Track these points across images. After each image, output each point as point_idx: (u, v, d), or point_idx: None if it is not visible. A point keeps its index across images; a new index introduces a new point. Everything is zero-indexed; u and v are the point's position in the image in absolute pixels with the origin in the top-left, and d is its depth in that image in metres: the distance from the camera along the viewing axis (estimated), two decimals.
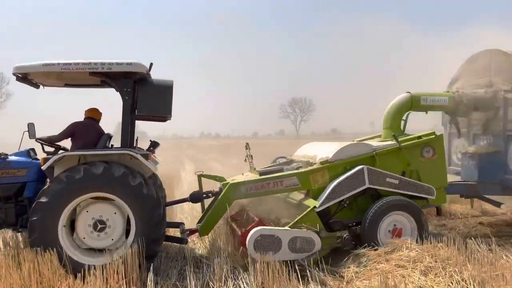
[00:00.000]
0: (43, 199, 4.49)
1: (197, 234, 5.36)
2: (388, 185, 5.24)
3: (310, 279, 4.43)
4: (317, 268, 4.65)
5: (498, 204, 6.76)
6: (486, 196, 6.68)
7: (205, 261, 5.03)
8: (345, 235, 4.98)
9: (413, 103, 6.31)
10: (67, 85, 5.60)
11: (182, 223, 5.67)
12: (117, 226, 4.70)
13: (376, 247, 4.87)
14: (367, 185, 5.15)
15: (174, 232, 5.98)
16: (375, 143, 5.90)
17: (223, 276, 4.36)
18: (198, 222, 5.58)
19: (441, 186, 5.62)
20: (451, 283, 4.04)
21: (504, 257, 4.80)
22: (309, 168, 5.45)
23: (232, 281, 4.30)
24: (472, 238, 5.22)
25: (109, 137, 5.35)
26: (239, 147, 9.67)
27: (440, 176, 5.65)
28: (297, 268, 4.50)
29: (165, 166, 14.29)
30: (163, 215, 4.83)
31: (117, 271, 4.17)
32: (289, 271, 4.38)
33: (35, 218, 4.46)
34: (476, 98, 6.48)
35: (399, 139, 5.60)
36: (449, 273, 4.19)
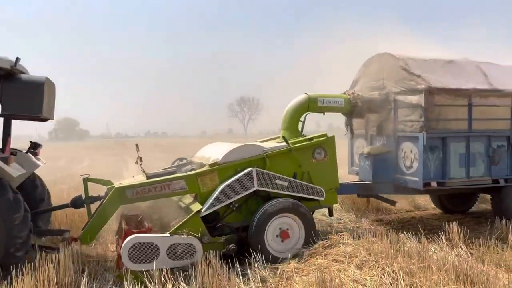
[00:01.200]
0: None
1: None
2: (277, 187, 5.44)
3: (250, 277, 4.56)
4: (257, 266, 4.79)
5: (393, 203, 7.38)
6: (382, 195, 7.21)
7: None
8: (231, 246, 5.09)
9: (310, 105, 6.60)
10: None
11: (67, 231, 5.54)
12: None
13: (315, 243, 5.10)
14: (255, 188, 5.32)
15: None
16: (268, 144, 6.17)
17: (162, 278, 4.35)
18: (83, 229, 5.33)
19: (332, 188, 5.95)
20: (383, 275, 4.33)
21: (432, 249, 5.14)
22: (198, 170, 5.47)
23: (171, 282, 4.31)
24: (404, 232, 5.57)
25: None
26: (188, 146, 9.45)
27: (332, 177, 5.93)
28: (237, 266, 4.63)
29: (106, 168, 13.97)
30: (24, 218, 4.66)
31: (48, 276, 4.17)
32: (229, 269, 4.51)
33: None
34: (369, 100, 6.99)
35: (294, 140, 5.94)
36: (381, 266, 4.48)
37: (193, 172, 5.52)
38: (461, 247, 5.29)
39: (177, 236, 4.88)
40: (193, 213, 5.11)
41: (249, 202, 5.51)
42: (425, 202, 9.14)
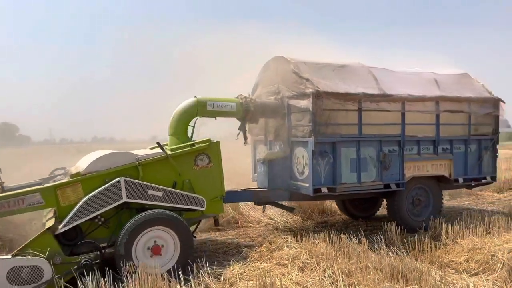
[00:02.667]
0: None
1: None
2: (151, 198, 5.04)
3: (192, 284, 4.44)
4: (201, 272, 4.69)
5: (291, 210, 7.26)
6: (280, 202, 7.02)
7: None
8: (83, 260, 4.60)
9: (199, 109, 6.18)
10: None
11: None
12: None
13: (255, 247, 5.05)
14: (124, 199, 4.90)
15: None
16: (144, 152, 5.77)
17: (100, 285, 4.14)
18: None
19: (217, 196, 5.69)
20: (324, 276, 4.45)
21: (371, 250, 5.28)
22: (57, 182, 5.01)
23: None
24: (345, 233, 5.62)
25: None
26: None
27: (216, 185, 5.64)
28: (179, 273, 4.42)
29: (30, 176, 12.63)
30: None
31: None
32: (171, 275, 4.40)
33: None
34: (263, 105, 6.73)
35: (174, 147, 5.62)
36: (322, 268, 4.61)
37: (50, 184, 5.01)
38: (398, 246, 5.52)
39: (19, 258, 4.32)
40: (42, 230, 4.59)
41: (122, 215, 5.10)
42: None
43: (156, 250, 5.00)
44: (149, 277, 4.19)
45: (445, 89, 7.51)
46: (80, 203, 4.82)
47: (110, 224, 5.07)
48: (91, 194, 4.88)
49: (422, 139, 7.24)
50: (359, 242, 5.35)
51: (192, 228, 5.89)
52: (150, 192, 5.12)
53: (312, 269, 4.69)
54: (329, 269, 4.56)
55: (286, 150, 6.84)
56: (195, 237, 6.00)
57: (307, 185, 6.40)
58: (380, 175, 6.82)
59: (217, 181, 5.74)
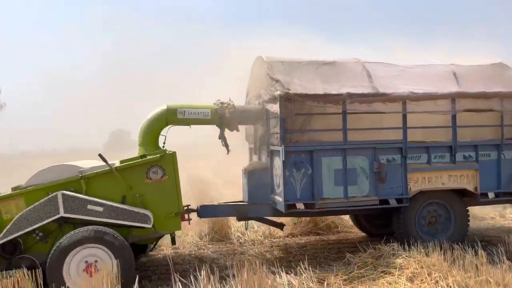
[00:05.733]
0: None
1: None
2: (90, 213, 4.82)
3: (297, 285, 4.48)
4: (304, 277, 4.68)
5: (281, 226, 6.47)
6: (266, 218, 6.29)
7: None
8: (10, 275, 4.47)
9: (168, 117, 5.71)
10: None
11: None
12: None
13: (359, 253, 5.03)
14: (61, 214, 4.75)
15: None
16: (89, 164, 5.48)
17: None
18: None
19: (172, 212, 5.24)
20: None
21: (490, 263, 4.81)
22: None
23: None
24: (459, 243, 5.33)
25: None
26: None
27: (172, 200, 5.22)
28: (284, 276, 4.60)
29: None
30: None
31: None
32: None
33: None
34: (242, 110, 6.11)
35: (126, 159, 5.34)
36: (434, 279, 4.44)
37: None
38: None
39: None
40: None
41: (64, 230, 4.93)
42: (482, 211, 8.23)
43: (92, 268, 4.74)
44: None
45: (466, 83, 6.17)
46: (17, 216, 4.78)
47: (49, 239, 4.94)
48: (28, 208, 4.82)
49: (432, 145, 6.02)
50: (475, 253, 4.86)
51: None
52: (89, 207, 4.88)
53: (422, 280, 4.51)
54: (442, 281, 4.36)
55: (266, 160, 6.16)
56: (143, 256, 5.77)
57: (280, 199, 5.66)
58: (375, 189, 5.79)
59: (173, 196, 5.29)
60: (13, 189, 5.03)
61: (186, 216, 5.86)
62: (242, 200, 6.57)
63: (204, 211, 6.15)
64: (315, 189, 5.60)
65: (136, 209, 5.06)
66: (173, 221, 5.31)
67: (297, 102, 5.54)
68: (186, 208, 5.90)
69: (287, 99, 5.48)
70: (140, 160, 5.31)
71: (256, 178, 6.13)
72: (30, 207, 4.82)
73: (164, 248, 6.96)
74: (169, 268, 5.72)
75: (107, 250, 4.77)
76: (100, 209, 4.91)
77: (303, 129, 5.65)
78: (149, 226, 5.06)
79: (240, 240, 7.29)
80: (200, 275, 4.13)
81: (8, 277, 4.50)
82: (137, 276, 4.57)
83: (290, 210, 5.62)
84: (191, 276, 4.30)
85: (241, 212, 6.19)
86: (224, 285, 4.42)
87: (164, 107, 5.91)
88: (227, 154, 6.33)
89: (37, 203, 4.82)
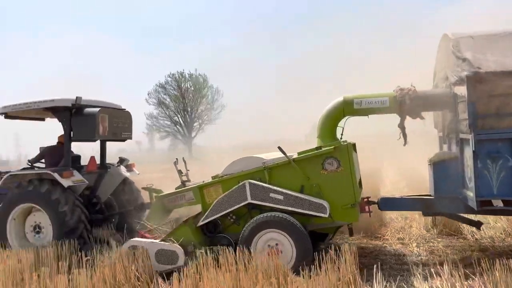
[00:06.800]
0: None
1: None
2: (272, 200, 5.24)
3: None
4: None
5: (478, 225, 5.80)
6: (460, 214, 5.67)
7: None
8: (214, 251, 5.10)
9: (345, 108, 5.70)
10: (31, 118, 7.21)
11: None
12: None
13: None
14: (249, 200, 5.31)
15: None
16: (271, 155, 5.82)
17: None
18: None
19: (348, 203, 5.24)
20: None
21: None
22: (202, 183, 5.81)
23: None
24: None
25: (78, 157, 6.96)
26: None
27: (347, 191, 5.26)
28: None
29: None
30: (77, 220, 6.01)
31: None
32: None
33: None
34: (424, 96, 5.54)
35: (303, 150, 5.52)
36: None
37: (198, 184, 5.91)
38: None
39: (163, 242, 5.35)
40: (180, 223, 5.57)
41: (253, 215, 5.52)
42: None
43: (274, 252, 5.10)
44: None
45: None
46: (215, 201, 5.58)
47: (240, 222, 5.59)
48: (224, 194, 5.56)
49: None
50: None
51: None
52: (271, 195, 5.33)
53: None
54: None
55: (455, 150, 5.49)
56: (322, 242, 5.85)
57: (471, 194, 4.96)
58: None
59: (348, 187, 5.31)
60: (213, 177, 5.86)
61: (366, 208, 5.77)
62: (428, 194, 6.04)
63: (385, 203, 5.91)
64: None
65: (312, 199, 5.27)
66: (350, 212, 5.31)
67: (490, 82, 4.74)
68: (366, 200, 5.82)
69: (477, 80, 4.75)
70: (315, 151, 5.47)
71: (443, 170, 5.54)
72: (225, 193, 5.56)
73: (389, 238, 6.90)
74: (398, 259, 5.82)
75: (287, 235, 5.14)
76: (281, 197, 5.30)
77: (500, 113, 4.80)
78: (325, 215, 5.19)
79: (476, 236, 6.64)
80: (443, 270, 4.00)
81: (212, 252, 5.24)
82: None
83: (484, 207, 4.88)
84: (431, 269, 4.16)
85: (428, 206, 5.72)
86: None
87: (341, 98, 5.90)
88: (404, 145, 5.92)
89: (230, 190, 5.53)
